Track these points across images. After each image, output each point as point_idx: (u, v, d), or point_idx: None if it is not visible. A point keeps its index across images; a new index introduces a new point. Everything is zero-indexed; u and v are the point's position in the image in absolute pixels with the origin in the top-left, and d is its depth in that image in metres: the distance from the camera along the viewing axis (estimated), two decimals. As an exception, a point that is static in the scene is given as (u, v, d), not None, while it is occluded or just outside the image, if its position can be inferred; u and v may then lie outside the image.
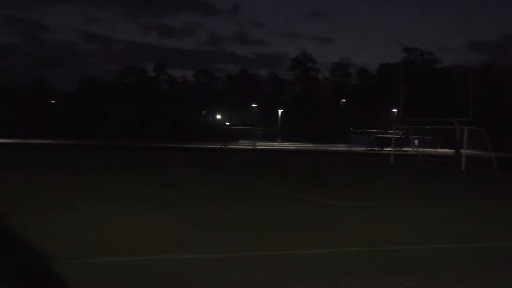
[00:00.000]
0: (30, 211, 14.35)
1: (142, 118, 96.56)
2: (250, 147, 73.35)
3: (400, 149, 67.37)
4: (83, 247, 10.38)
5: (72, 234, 11.59)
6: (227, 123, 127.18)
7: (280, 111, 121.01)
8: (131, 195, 18.48)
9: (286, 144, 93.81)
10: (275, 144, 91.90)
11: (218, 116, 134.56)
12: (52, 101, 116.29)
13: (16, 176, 24.07)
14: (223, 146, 68.74)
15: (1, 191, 18.44)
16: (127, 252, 10.18)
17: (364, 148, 79.51)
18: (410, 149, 69.01)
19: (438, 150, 76.46)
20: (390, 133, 61.88)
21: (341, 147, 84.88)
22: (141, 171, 29.88)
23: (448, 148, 72.30)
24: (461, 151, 41.97)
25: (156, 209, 15.51)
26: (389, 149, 59.53)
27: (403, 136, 76.23)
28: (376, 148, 77.91)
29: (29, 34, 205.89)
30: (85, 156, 41.81)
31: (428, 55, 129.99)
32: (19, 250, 10.32)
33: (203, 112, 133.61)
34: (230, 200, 18.37)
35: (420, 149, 64.10)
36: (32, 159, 37.02)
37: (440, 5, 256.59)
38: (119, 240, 11.21)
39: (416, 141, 74.32)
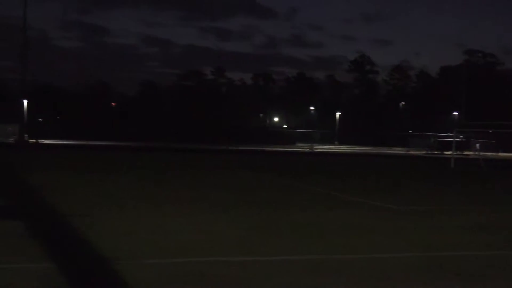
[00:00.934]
0: (96, 212, 14.64)
1: (200, 121, 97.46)
2: (308, 150, 73.09)
3: (461, 153, 65.96)
4: (144, 248, 10.52)
5: (133, 235, 11.75)
6: (285, 126, 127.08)
7: (338, 113, 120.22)
8: (193, 197, 18.63)
9: (344, 147, 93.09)
10: (332, 147, 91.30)
11: (276, 119, 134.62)
12: (113, 104, 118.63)
13: (84, 177, 24.62)
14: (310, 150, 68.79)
15: (71, 191, 18.88)
16: (186, 253, 10.25)
17: (423, 152, 78.14)
18: (471, 153, 67.50)
19: (500, 154, 74.57)
20: (451, 137, 60.65)
21: (399, 151, 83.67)
22: (201, 173, 30.12)
23: (511, 152, 70.45)
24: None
25: (217, 212, 15.58)
26: (449, 153, 58.34)
27: (464, 139, 74.55)
28: (436, 152, 76.44)
29: (91, 38, 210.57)
30: (145, 158, 42.41)
31: (490, 57, 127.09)
32: (82, 249, 10.54)
33: (261, 115, 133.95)
34: (290, 203, 18.31)
35: (481, 153, 62.59)
36: (94, 161, 37.78)
37: (501, 6, 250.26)
38: (178, 241, 11.31)
39: (477, 145, 72.58)
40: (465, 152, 68.54)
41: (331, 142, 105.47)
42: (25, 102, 77.20)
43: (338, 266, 9.64)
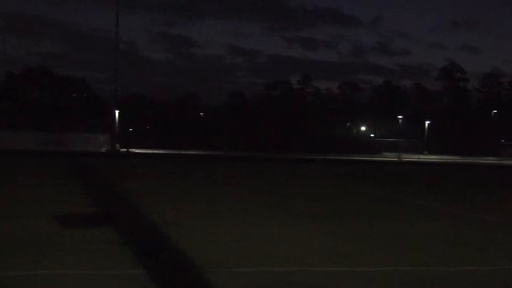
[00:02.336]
0: (185, 220, 14.77)
1: (286, 130, 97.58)
2: (396, 159, 71.74)
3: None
4: (231, 257, 10.47)
5: (220, 243, 11.74)
6: (372, 135, 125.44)
7: (427, 122, 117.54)
8: (278, 206, 18.54)
9: (433, 156, 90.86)
10: (421, 156, 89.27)
11: (363, 128, 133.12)
12: (201, 114, 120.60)
13: (172, 185, 25.00)
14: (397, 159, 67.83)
15: (160, 199, 19.18)
16: (275, 263, 10.13)
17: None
18: None
19: None
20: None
21: (491, 160, 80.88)
22: (288, 182, 30.01)
23: None
24: None
25: (303, 221, 15.40)
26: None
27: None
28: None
29: (179, 49, 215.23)
30: (232, 167, 42.74)
31: None
32: (172, 257, 10.59)
33: (348, 123, 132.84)
34: (380, 213, 17.91)
35: None
36: (182, 170, 38.39)
37: None
38: (266, 250, 11.19)
39: None
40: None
41: (420, 152, 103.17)
42: (117, 112, 79.59)
43: (429, 278, 9.26)
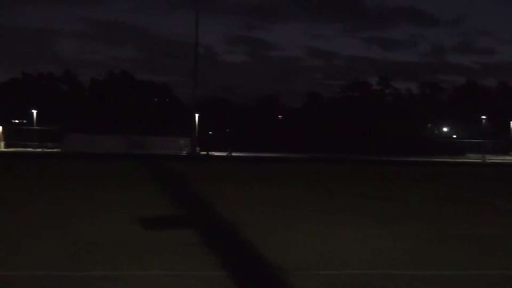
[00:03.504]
0: (263, 221, 14.88)
1: (366, 131, 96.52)
2: (480, 161, 69.74)
3: None
4: (310, 259, 10.48)
5: (298, 245, 11.78)
6: (454, 136, 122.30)
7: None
8: (358, 208, 18.40)
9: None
10: (506, 157, 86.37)
11: (445, 129, 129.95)
12: (279, 116, 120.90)
13: (252, 187, 25.23)
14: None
15: (239, 201, 19.40)
16: (354, 265, 10.08)
17: None
18: None
19: None
20: None
21: None
22: (365, 184, 29.71)
23: None
24: None
25: (384, 223, 15.24)
26: None
27: None
28: None
29: (257, 52, 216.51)
30: (311, 169, 42.66)
31: None
32: (252, 258, 10.71)
33: (429, 125, 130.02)
34: (460, 215, 17.49)
35: None
36: (262, 172, 38.61)
37: None
38: (345, 253, 11.15)
39: None
40: None
41: (505, 153, 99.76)
42: (197, 116, 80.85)
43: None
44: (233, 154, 69.85)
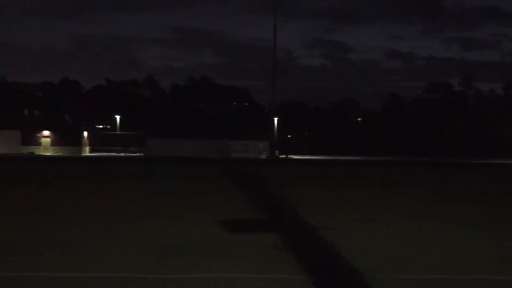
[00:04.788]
0: (345, 225, 14.82)
1: (448, 133, 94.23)
2: None
3: None
4: (393, 263, 10.38)
5: (382, 249, 11.68)
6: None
7: None
8: (444, 212, 18.07)
9: None
10: None
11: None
12: (358, 119, 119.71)
13: (332, 191, 25.14)
14: None
15: (320, 205, 19.38)
16: (438, 269, 9.92)
17: None
18: None
19: None
20: None
21: None
22: (447, 187, 29.10)
23: None
24: None
25: (469, 227, 14.88)
26: None
27: None
28: None
29: (334, 55, 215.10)
30: (389, 173, 42.10)
31: None
32: (334, 261, 10.69)
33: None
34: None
35: None
36: (340, 175, 38.40)
37: None
38: (427, 257, 10.97)
39: None
40: None
41: None
42: (275, 120, 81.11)
43: None
44: (314, 157, 69.69)
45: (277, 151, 76.91)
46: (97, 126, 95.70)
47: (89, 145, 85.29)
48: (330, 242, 12.34)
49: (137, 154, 76.61)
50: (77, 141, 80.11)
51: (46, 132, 79.64)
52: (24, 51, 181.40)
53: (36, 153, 75.69)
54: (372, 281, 9.01)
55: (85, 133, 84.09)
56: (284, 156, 74.36)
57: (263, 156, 74.75)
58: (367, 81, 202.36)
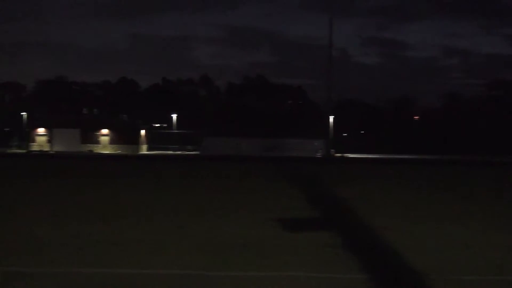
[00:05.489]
0: (401, 225, 14.57)
1: (510, 132, 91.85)
2: None
3: None
4: (452, 263, 10.17)
5: (439, 249, 11.44)
6: None
7: None
8: (493, 213, 17.63)
9: None
10: None
11: None
12: (415, 117, 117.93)
13: (389, 191, 24.80)
14: None
15: (376, 204, 19.13)
16: (499, 271, 9.67)
17: None
18: None
19: None
20: None
21: None
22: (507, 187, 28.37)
23: None
24: None
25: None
26: None
27: None
28: None
29: (390, 53, 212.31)
30: (444, 173, 41.31)
31: None
32: (390, 261, 10.49)
33: None
34: None
35: None
36: (399, 174, 37.89)
37: None
38: (488, 258, 10.69)
39: None
40: None
41: None
42: (331, 118, 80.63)
43: None
44: (370, 156, 69.01)
45: (332, 150, 76.42)
46: (154, 125, 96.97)
47: (147, 143, 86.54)
48: (387, 242, 12.16)
49: (194, 153, 77.32)
50: (135, 140, 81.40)
51: (104, 131, 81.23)
52: (83, 51, 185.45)
53: (95, 151, 77.25)
54: (432, 282, 8.84)
55: (143, 132, 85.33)
56: (340, 154, 73.84)
57: (319, 154, 74.41)
58: (424, 79, 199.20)
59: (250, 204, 18.67)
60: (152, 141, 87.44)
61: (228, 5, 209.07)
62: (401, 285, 8.89)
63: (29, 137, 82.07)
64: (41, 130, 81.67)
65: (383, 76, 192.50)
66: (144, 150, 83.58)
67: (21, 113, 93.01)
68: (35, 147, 79.34)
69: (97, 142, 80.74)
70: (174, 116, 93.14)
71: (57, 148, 77.73)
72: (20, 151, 76.66)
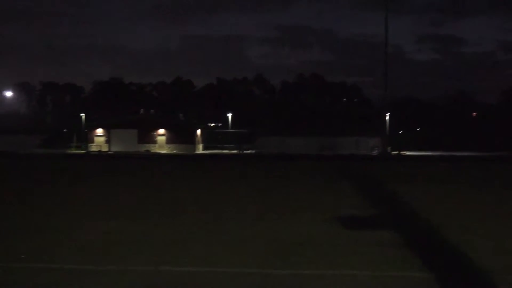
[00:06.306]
0: (463, 223, 14.32)
1: None
2: None
3: None
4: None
5: (504, 249, 11.19)
6: None
7: None
8: None
9: None
10: None
11: None
12: (473, 114, 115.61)
13: (446, 189, 24.35)
14: None
15: (436, 202, 18.84)
16: None
17: None
18: None
19: None
20: None
21: None
22: None
23: None
24: None
25: None
26: None
27: None
28: None
29: (446, 49, 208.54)
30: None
31: None
32: (453, 260, 10.31)
33: None
34: None
35: None
36: (459, 172, 37.22)
37: None
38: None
39: None
40: None
41: None
42: (387, 116, 79.73)
43: None
44: (427, 153, 68.01)
45: (389, 148, 75.58)
46: (209, 124, 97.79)
47: (202, 142, 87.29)
48: (450, 241, 11.95)
49: (249, 151, 77.61)
50: (191, 139, 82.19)
51: (161, 131, 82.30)
52: (139, 53, 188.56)
53: (152, 151, 78.35)
54: (499, 282, 8.65)
55: (198, 131, 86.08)
56: (396, 152, 72.94)
57: (375, 152, 73.69)
58: (481, 75, 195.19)
59: (309, 202, 18.65)
60: (207, 140, 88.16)
61: (279, 4, 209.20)
62: (466, 284, 8.72)
63: (88, 137, 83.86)
64: (99, 131, 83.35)
65: (439, 72, 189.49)
66: (200, 149, 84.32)
67: (80, 114, 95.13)
68: (93, 147, 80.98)
69: (154, 142, 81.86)
70: (230, 116, 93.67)
71: (115, 148, 79.21)
72: (79, 151, 78.37)
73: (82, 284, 8.56)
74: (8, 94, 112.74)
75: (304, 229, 13.37)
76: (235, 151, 79.41)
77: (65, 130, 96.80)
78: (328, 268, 9.47)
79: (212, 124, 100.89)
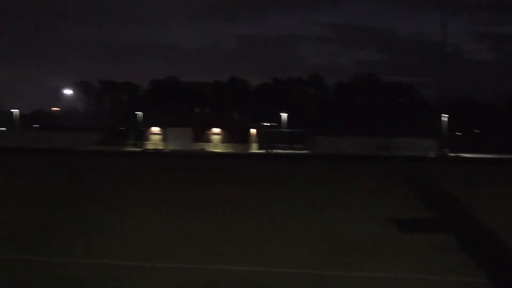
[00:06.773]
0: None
1: None
2: None
3: None
4: None
5: None
6: None
7: None
8: None
9: None
10: None
11: None
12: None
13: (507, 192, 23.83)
14: None
15: (501, 207, 18.45)
16: None
17: None
18: None
19: None
20: None
21: None
22: None
23: None
24: None
25: None
26: None
27: None
28: None
29: (507, 48, 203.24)
30: None
31: None
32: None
33: None
34: None
35: None
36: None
37: None
38: None
39: None
40: None
41: None
42: (444, 117, 78.32)
43: None
44: (486, 156, 66.57)
45: (446, 149, 74.21)
46: (264, 124, 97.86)
47: (256, 142, 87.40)
48: (510, 246, 11.64)
49: (303, 152, 77.38)
50: (245, 138, 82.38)
51: (216, 130, 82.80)
52: (194, 52, 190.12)
53: (206, 149, 78.89)
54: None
55: (253, 131, 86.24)
56: (454, 154, 71.55)
57: (431, 154, 72.45)
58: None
59: (362, 203, 18.55)
60: (262, 140, 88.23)
61: (333, 3, 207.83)
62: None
63: (144, 135, 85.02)
64: (155, 129, 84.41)
65: (498, 72, 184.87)
66: (254, 148, 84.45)
67: (136, 112, 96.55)
68: (149, 145, 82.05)
69: (208, 140, 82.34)
70: (285, 115, 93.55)
71: (171, 146, 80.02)
72: (135, 149, 79.54)
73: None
74: (68, 92, 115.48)
75: (355, 228, 13.43)
76: (289, 151, 79.26)
77: (121, 128, 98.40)
78: (380, 271, 9.44)
79: (267, 124, 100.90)
